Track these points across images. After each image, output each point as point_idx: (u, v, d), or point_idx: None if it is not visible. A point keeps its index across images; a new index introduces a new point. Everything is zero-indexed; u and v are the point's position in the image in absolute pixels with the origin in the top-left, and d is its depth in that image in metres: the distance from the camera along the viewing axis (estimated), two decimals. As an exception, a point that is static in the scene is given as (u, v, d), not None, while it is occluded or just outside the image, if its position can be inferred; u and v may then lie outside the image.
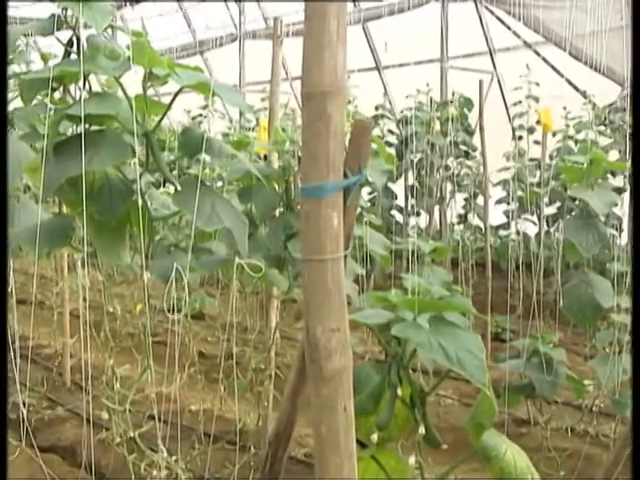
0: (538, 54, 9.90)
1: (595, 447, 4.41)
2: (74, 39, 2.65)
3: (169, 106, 2.44)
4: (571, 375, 4.03)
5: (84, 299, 4.60)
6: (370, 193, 8.36)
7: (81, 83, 2.44)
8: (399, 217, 9.09)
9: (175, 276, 2.46)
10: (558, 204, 6.93)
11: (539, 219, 7.41)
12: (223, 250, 3.10)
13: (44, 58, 3.18)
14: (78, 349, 5.58)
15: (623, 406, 3.66)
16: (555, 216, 7.07)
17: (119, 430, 3.46)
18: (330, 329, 1.64)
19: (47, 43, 3.04)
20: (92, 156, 2.13)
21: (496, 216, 8.46)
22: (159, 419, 3.39)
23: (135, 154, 2.24)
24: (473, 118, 8.53)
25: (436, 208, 8.92)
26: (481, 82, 6.74)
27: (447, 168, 8.58)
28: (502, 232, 8.97)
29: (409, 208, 8.92)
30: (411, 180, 8.78)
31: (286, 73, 10.29)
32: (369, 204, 8.05)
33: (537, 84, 8.36)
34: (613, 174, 4.53)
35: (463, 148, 8.82)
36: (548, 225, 7.24)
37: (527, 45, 10.02)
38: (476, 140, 8.04)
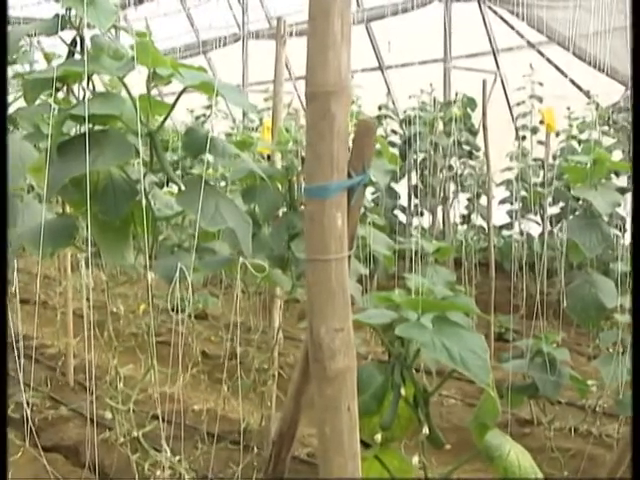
0: (541, 54, 9.89)
1: (598, 447, 4.40)
2: (77, 39, 2.65)
3: (173, 106, 2.44)
4: (574, 375, 4.03)
5: (87, 299, 4.59)
6: (373, 193, 8.36)
7: (85, 83, 2.44)
8: (402, 217, 9.09)
9: (179, 276, 2.46)
10: (561, 204, 6.93)
11: (542, 219, 7.42)
12: (226, 250, 3.10)
13: (47, 58, 3.19)
14: (81, 349, 5.59)
15: (626, 406, 3.66)
16: (558, 216, 7.08)
17: (122, 430, 3.46)
18: (334, 329, 1.64)
19: (51, 43, 3.04)
20: (96, 156, 2.13)
21: (499, 216, 8.46)
22: (162, 419, 3.40)
23: (139, 154, 2.24)
24: (476, 118, 8.53)
25: (439, 208, 8.91)
26: (484, 82, 6.73)
27: (450, 168, 8.58)
28: (505, 232, 8.97)
29: (412, 208, 8.93)
30: (414, 180, 8.78)
31: (289, 73, 10.30)
32: (372, 204, 8.04)
33: (540, 84, 8.35)
34: (617, 174, 4.52)
35: (466, 148, 8.81)
36: (551, 225, 7.24)
37: (530, 45, 10.01)
38: (479, 140, 8.03)
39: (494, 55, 10.50)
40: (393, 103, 10.81)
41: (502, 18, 10.07)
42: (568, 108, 8.32)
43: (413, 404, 2.31)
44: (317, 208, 1.63)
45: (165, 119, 2.46)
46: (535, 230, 7.95)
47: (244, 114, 10.93)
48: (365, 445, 2.28)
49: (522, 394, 4.04)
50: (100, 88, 2.64)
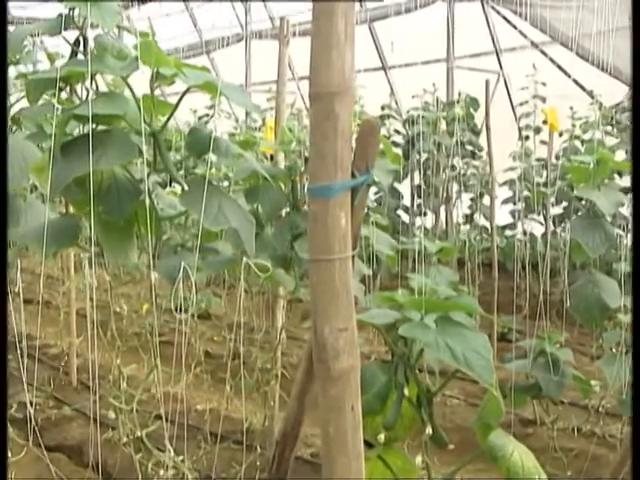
0: (545, 54, 9.88)
1: (602, 447, 4.40)
2: (81, 39, 2.65)
3: (176, 106, 2.44)
4: (578, 375, 4.02)
5: (91, 299, 4.60)
6: (376, 193, 8.36)
7: (88, 83, 2.44)
8: (405, 217, 9.09)
9: (182, 276, 2.46)
10: (565, 204, 6.93)
11: (545, 219, 7.41)
12: (229, 250, 3.11)
13: (51, 58, 3.19)
14: (85, 349, 5.60)
15: (630, 407, 3.65)
16: (561, 216, 7.07)
17: (126, 429, 3.47)
18: (338, 329, 1.64)
19: (54, 43, 3.04)
20: (100, 156, 2.13)
21: (502, 216, 8.45)
22: (166, 419, 3.40)
23: (142, 154, 2.24)
24: (479, 118, 8.54)
25: (442, 208, 8.91)
26: (487, 82, 6.72)
27: (453, 168, 8.58)
28: (508, 232, 8.96)
29: (415, 208, 8.92)
30: (417, 180, 8.78)
31: (292, 73, 10.29)
32: (375, 204, 8.05)
33: (544, 84, 8.35)
34: (620, 174, 4.51)
35: (469, 148, 8.81)
36: (554, 225, 7.24)
37: (534, 45, 10.00)
38: (482, 140, 8.03)
39: (497, 55, 10.49)
40: (396, 103, 10.82)
41: (505, 18, 10.06)
42: (571, 108, 8.32)
43: (416, 404, 2.31)
44: (321, 208, 1.63)
45: (168, 119, 2.46)
46: (538, 230, 7.94)
47: (247, 114, 10.93)
48: (368, 445, 2.28)
49: (525, 394, 4.04)
50: (103, 88, 2.64)
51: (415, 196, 8.94)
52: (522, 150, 8.34)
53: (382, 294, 2.49)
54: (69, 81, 2.48)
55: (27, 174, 2.70)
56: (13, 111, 2.99)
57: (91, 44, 2.61)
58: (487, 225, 8.47)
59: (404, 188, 8.94)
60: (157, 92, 2.41)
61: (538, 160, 8.05)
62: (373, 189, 7.76)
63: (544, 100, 8.29)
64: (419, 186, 8.73)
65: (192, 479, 3.48)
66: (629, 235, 4.96)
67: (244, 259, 2.67)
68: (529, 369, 4.00)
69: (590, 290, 3.87)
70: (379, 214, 5.22)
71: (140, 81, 2.35)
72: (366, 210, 3.86)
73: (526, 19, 9.51)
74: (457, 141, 8.01)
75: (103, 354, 4.49)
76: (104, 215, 2.35)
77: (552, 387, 3.94)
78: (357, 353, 1.69)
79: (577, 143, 7.99)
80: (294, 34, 4.22)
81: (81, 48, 2.67)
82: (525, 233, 7.77)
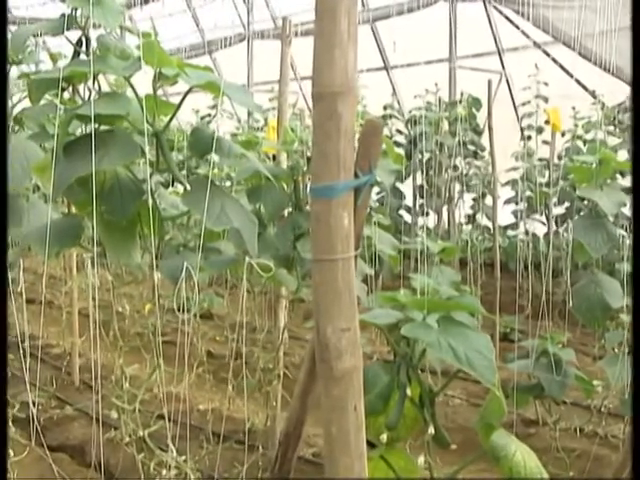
0: (547, 54, 9.87)
1: (604, 448, 4.40)
2: (83, 39, 2.66)
3: (179, 106, 2.44)
4: (580, 375, 4.02)
5: (93, 298, 4.60)
6: (378, 193, 8.36)
7: (91, 83, 2.44)
8: (407, 217, 9.08)
9: (184, 276, 2.46)
10: (567, 204, 6.93)
11: (548, 219, 7.41)
12: (232, 250, 3.10)
13: (53, 58, 3.19)
14: (87, 348, 5.60)
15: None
16: (564, 216, 7.07)
17: (128, 429, 3.47)
18: (340, 329, 1.64)
19: (56, 43, 3.04)
20: (102, 156, 2.13)
21: (505, 216, 8.46)
22: (168, 418, 3.40)
23: (145, 154, 2.24)
24: (482, 118, 8.52)
25: (444, 208, 8.91)
26: (490, 82, 6.72)
27: (455, 168, 8.57)
28: (511, 232, 8.96)
29: (417, 208, 8.92)
30: (419, 180, 8.77)
31: (295, 73, 10.29)
32: (377, 204, 8.05)
33: (546, 84, 8.35)
34: (622, 174, 4.51)
35: (472, 148, 8.81)
36: (557, 225, 7.24)
37: (536, 45, 9.99)
38: (485, 140, 8.03)
39: (499, 55, 10.48)
40: (398, 103, 10.81)
41: (507, 18, 10.05)
42: (573, 108, 8.31)
43: (419, 404, 2.31)
44: (323, 208, 1.63)
45: (171, 119, 2.46)
46: (540, 230, 7.93)
47: (249, 114, 10.94)
48: (371, 445, 2.28)
49: (528, 394, 4.04)
50: (106, 88, 2.65)
51: (417, 196, 8.93)
52: (524, 150, 8.35)
53: (384, 294, 2.49)
54: (72, 81, 2.48)
55: (29, 174, 2.70)
56: (16, 111, 2.99)
57: (94, 44, 2.61)
58: (489, 225, 8.47)
59: (406, 188, 8.93)
60: (159, 92, 2.42)
61: (540, 160, 8.05)
62: (375, 189, 7.75)
63: (546, 100, 8.29)
64: (421, 186, 8.73)
65: (194, 479, 3.48)
66: (631, 235, 4.96)
67: (246, 259, 2.67)
68: (531, 369, 4.00)
69: (592, 290, 3.87)
70: (381, 214, 5.23)
71: (143, 81, 2.35)
72: (368, 210, 3.86)
73: (528, 19, 9.50)
74: (459, 141, 8.01)
75: (105, 354, 4.50)
76: (107, 215, 2.35)
77: (554, 387, 3.93)
78: (360, 353, 1.69)
79: (579, 143, 7.99)
80: (296, 34, 4.22)
81: (83, 48, 2.67)
82: (527, 233, 7.76)
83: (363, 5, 11.43)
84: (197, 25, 14.43)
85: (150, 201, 2.36)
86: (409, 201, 9.05)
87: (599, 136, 7.36)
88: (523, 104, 8.63)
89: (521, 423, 4.71)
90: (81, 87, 2.64)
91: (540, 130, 8.31)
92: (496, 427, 2.24)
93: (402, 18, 10.78)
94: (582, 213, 4.47)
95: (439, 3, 10.53)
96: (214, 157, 2.67)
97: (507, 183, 8.52)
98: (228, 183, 5.23)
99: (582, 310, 3.89)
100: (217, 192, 2.37)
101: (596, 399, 4.81)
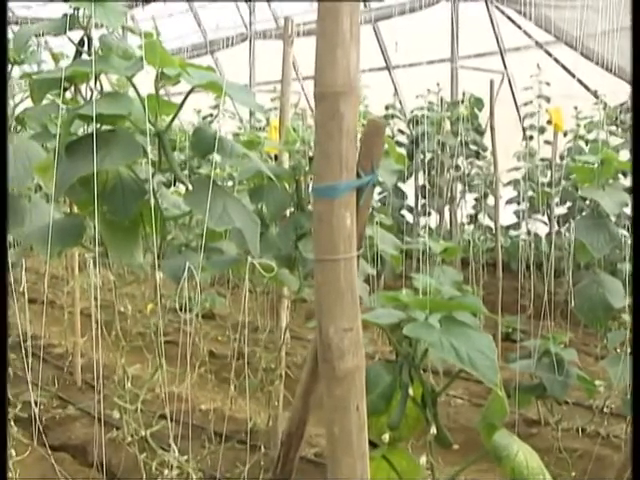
0: (549, 54, 9.87)
1: (606, 448, 4.40)
2: (85, 39, 2.66)
3: (181, 106, 2.44)
4: (582, 375, 4.02)
5: (95, 298, 4.60)
6: (380, 193, 8.36)
7: (93, 83, 2.45)
8: (409, 217, 9.09)
9: (186, 276, 2.46)
10: (569, 204, 6.93)
11: (550, 219, 7.41)
12: (234, 250, 3.10)
13: (55, 58, 3.20)
14: (89, 348, 5.59)
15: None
16: (566, 216, 7.07)
17: (130, 429, 3.46)
18: (343, 329, 1.64)
19: (58, 43, 3.05)
20: (104, 156, 2.13)
21: (507, 216, 8.46)
22: (170, 418, 3.40)
23: (147, 154, 2.24)
24: (484, 118, 8.52)
25: (446, 208, 8.90)
26: (492, 82, 6.72)
27: (457, 168, 8.57)
28: (513, 232, 8.96)
29: (419, 208, 8.92)
30: (421, 180, 8.77)
31: (297, 73, 10.30)
32: (379, 204, 8.05)
33: (548, 84, 8.34)
34: (624, 174, 4.50)
35: (474, 148, 8.81)
36: (559, 225, 7.23)
37: (538, 45, 9.99)
38: (487, 140, 8.03)
39: (501, 55, 10.48)
40: (400, 103, 10.81)
41: (509, 18, 10.05)
42: (576, 108, 8.31)
43: (421, 404, 2.31)
44: (326, 208, 1.63)
45: (173, 119, 2.46)
46: (542, 230, 7.94)
47: (251, 114, 10.94)
48: (373, 445, 2.28)
49: (530, 394, 4.04)
50: (108, 88, 2.65)
51: (419, 196, 8.94)
52: (526, 150, 8.35)
53: (386, 294, 2.48)
54: (74, 81, 2.49)
55: (31, 174, 2.70)
56: (18, 111, 2.99)
57: (96, 44, 2.61)
58: (491, 225, 8.47)
59: (408, 188, 8.94)
60: (161, 92, 2.42)
61: (542, 160, 8.05)
62: (377, 189, 7.75)
63: (548, 100, 8.28)
64: (423, 186, 8.73)
65: (196, 479, 3.48)
66: (632, 235, 4.96)
67: (248, 259, 2.67)
68: (533, 369, 4.00)
69: (594, 290, 3.87)
70: (383, 214, 5.22)
71: (144, 81, 2.35)
72: (371, 210, 3.86)
73: (530, 19, 9.50)
74: (461, 141, 8.01)
75: (107, 354, 4.50)
76: (109, 215, 2.35)
77: (556, 387, 3.93)
78: (362, 353, 1.68)
79: (581, 143, 7.99)
80: (298, 34, 4.22)
81: (85, 48, 2.67)
82: (529, 233, 7.77)
83: (365, 5, 11.43)
84: (199, 25, 14.44)
85: (152, 201, 2.36)
86: (411, 201, 9.05)
87: (601, 136, 7.36)
88: (525, 104, 8.63)
89: (523, 423, 4.71)
90: (83, 87, 2.65)
91: (542, 130, 8.30)
92: (498, 427, 2.24)
93: (404, 18, 10.79)
94: (584, 213, 4.47)
95: (441, 3, 10.53)
96: (216, 157, 2.67)
97: (509, 183, 8.52)
98: (230, 183, 5.22)
99: (584, 310, 3.89)
100: (219, 192, 2.37)
101: (598, 399, 4.81)
